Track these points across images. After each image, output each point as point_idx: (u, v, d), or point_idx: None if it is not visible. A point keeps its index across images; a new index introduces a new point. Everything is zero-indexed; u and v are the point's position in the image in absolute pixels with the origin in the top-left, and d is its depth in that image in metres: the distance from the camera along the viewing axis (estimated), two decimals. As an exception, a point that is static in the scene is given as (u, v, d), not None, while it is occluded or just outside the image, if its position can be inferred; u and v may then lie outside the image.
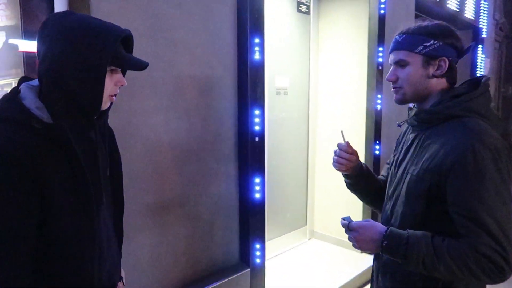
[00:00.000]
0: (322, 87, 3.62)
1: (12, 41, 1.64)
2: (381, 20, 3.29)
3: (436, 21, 1.24)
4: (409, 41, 1.21)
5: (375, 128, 3.34)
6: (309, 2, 3.46)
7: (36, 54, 0.98)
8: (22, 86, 0.98)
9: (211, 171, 2.25)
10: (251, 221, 2.38)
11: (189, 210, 2.16)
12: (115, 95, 1.07)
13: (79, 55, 0.94)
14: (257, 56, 2.31)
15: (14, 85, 1.71)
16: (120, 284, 1.28)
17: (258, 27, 2.31)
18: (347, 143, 1.45)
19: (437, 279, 1.15)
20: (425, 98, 1.24)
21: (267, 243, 2.56)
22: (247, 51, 2.28)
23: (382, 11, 3.29)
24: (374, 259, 1.40)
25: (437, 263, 1.07)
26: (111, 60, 0.98)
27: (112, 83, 1.03)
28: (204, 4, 2.13)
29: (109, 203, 1.17)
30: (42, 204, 0.91)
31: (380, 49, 3.30)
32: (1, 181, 0.86)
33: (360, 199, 1.59)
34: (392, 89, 1.28)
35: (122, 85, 1.06)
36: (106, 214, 1.13)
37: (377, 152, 3.37)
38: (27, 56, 1.72)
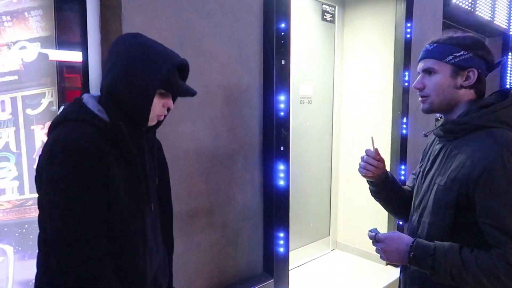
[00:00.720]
0: (346, 96, 3.59)
1: (44, 50, 1.70)
2: (408, 28, 3.25)
3: (468, 33, 1.25)
4: (439, 50, 1.21)
5: (401, 139, 3.28)
6: (334, 11, 3.45)
7: (105, 67, 1.12)
8: (84, 95, 1.12)
9: (236, 180, 2.25)
10: (275, 231, 2.37)
11: (214, 218, 2.16)
12: (163, 115, 1.18)
13: (133, 76, 1.06)
14: (282, 65, 2.31)
15: (47, 94, 1.77)
16: None
17: (284, 36, 2.31)
18: (376, 150, 1.45)
19: None
20: (452, 109, 1.23)
21: (290, 253, 2.54)
22: (273, 60, 2.28)
23: (409, 19, 3.25)
24: (401, 270, 1.40)
25: (466, 275, 1.07)
26: (162, 85, 1.09)
27: (161, 104, 1.14)
28: (231, 14, 2.14)
29: (156, 211, 1.25)
30: (108, 189, 1.02)
31: (407, 58, 3.24)
32: (78, 171, 0.97)
33: (384, 207, 1.59)
34: (420, 98, 1.28)
35: (169, 108, 1.17)
36: (154, 220, 1.21)
37: (402, 163, 3.31)
38: (60, 66, 1.78)
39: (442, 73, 1.21)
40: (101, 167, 1.00)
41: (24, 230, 1.68)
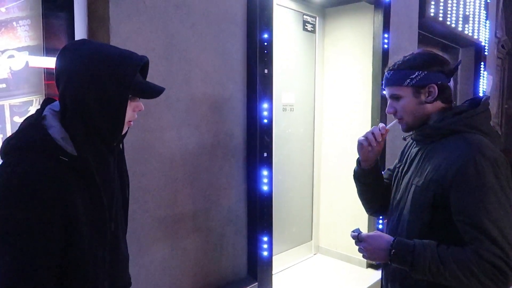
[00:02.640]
0: (327, 104, 3.69)
1: (32, 58, 1.72)
2: (386, 38, 3.38)
3: (419, 50, 1.35)
4: (396, 77, 1.32)
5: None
6: (315, 22, 3.56)
7: (55, 81, 1.00)
8: (47, 113, 0.99)
9: (221, 185, 2.30)
10: (259, 234, 2.42)
11: (199, 223, 2.21)
12: (133, 119, 1.09)
13: (99, 87, 0.95)
14: (265, 74, 2.39)
15: (35, 102, 1.79)
16: None
17: (267, 46, 2.39)
18: (387, 130, 1.46)
19: (444, 286, 1.20)
20: (426, 121, 1.33)
21: (273, 258, 2.59)
22: (256, 69, 2.36)
23: (386, 30, 3.38)
24: (383, 268, 1.46)
25: (443, 270, 1.13)
26: (131, 90, 1.00)
27: (131, 109, 1.05)
28: (216, 25, 2.21)
29: (123, 227, 1.19)
30: (66, 231, 0.93)
31: (385, 67, 3.37)
32: (25, 210, 0.86)
33: (360, 194, 1.64)
34: (396, 120, 1.38)
35: (140, 110, 1.09)
36: (121, 233, 1.16)
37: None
38: (48, 73, 1.80)
39: (406, 96, 1.31)
40: (62, 208, 0.90)
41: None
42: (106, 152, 1.04)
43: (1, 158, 0.96)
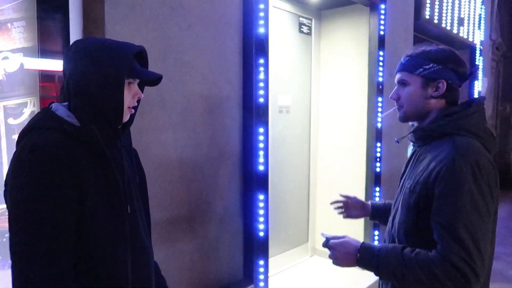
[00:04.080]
0: (323, 105, 3.70)
1: (27, 60, 1.72)
2: (381, 41, 3.39)
3: (441, 46, 1.33)
4: (411, 63, 1.31)
5: (376, 146, 3.40)
6: (311, 24, 3.57)
7: (63, 74, 1.09)
8: (53, 104, 1.09)
9: (217, 187, 2.30)
10: (255, 236, 2.42)
11: (195, 225, 2.20)
12: (134, 107, 1.16)
13: (100, 71, 1.04)
14: (261, 76, 2.39)
15: (29, 104, 1.78)
16: None
17: (263, 48, 2.39)
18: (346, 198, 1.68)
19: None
20: (424, 117, 1.32)
21: (269, 260, 2.59)
22: (252, 71, 2.36)
23: (381, 32, 3.39)
24: None
25: (407, 273, 1.14)
26: (128, 73, 1.08)
27: (130, 95, 1.13)
28: (212, 27, 2.21)
29: (142, 213, 1.23)
30: (79, 201, 0.98)
31: (380, 69, 3.38)
32: (46, 179, 0.93)
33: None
34: (396, 107, 1.38)
35: (139, 98, 1.16)
36: (141, 222, 1.19)
37: (377, 169, 3.43)
38: (43, 75, 1.80)
39: (414, 84, 1.30)
40: (72, 175, 0.96)
41: (4, 240, 1.68)
42: (112, 134, 1.10)
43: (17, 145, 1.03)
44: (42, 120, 1.02)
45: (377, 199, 3.43)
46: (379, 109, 3.39)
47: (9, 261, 1.70)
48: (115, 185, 1.06)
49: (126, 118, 1.14)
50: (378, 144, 3.41)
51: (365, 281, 3.22)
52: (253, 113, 2.38)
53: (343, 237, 1.32)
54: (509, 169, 8.53)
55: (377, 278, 3.34)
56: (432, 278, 1.11)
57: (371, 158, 3.41)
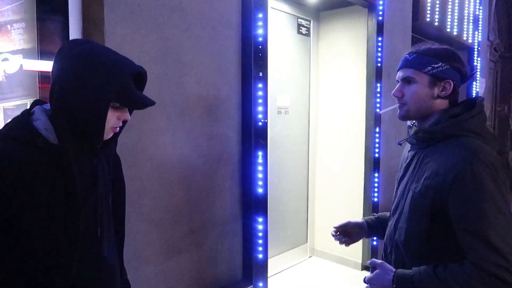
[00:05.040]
0: (322, 106, 3.71)
1: (26, 61, 1.72)
2: (379, 41, 3.40)
3: (444, 46, 1.31)
4: (418, 61, 1.27)
5: (375, 146, 3.41)
6: (309, 25, 3.58)
7: (51, 74, 1.02)
8: (36, 109, 1.00)
9: (216, 188, 2.30)
10: (254, 237, 2.42)
11: (194, 226, 2.20)
12: (117, 127, 1.07)
13: (85, 87, 0.96)
14: (260, 76, 2.40)
15: (29, 105, 1.78)
16: None
17: (261, 49, 2.40)
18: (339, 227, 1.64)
19: None
20: (426, 117, 1.29)
21: (268, 260, 2.59)
22: (251, 72, 2.37)
23: (380, 33, 3.40)
24: None
25: None
26: (115, 97, 0.99)
27: (115, 117, 1.04)
28: (211, 28, 2.22)
29: (111, 234, 1.15)
30: (15, 222, 0.90)
31: (379, 70, 3.39)
32: None
33: None
34: (397, 105, 1.33)
35: (125, 120, 1.07)
36: (107, 244, 1.11)
37: (376, 170, 3.44)
38: (42, 76, 1.80)
39: (421, 83, 1.26)
40: (18, 196, 0.89)
41: None
42: (88, 151, 1.03)
43: None
44: (17, 130, 0.95)
45: (375, 199, 3.44)
46: (378, 110, 3.40)
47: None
48: (76, 210, 0.97)
49: (107, 137, 1.06)
50: (377, 145, 3.42)
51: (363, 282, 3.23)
52: (252, 114, 2.38)
53: (380, 265, 1.26)
54: (508, 168, 8.54)
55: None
56: None
57: (369, 159, 3.42)
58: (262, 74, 2.41)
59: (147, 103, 1.05)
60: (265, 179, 2.45)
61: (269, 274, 2.98)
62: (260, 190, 2.43)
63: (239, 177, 2.44)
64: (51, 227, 0.94)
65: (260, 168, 2.42)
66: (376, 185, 3.43)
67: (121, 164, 1.22)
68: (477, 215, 1.09)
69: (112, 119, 1.03)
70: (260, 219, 2.43)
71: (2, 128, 0.98)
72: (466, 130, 1.21)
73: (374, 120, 3.39)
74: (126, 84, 1.01)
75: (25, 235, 0.91)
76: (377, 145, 3.42)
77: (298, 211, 3.66)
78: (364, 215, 3.41)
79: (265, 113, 2.44)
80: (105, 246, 1.10)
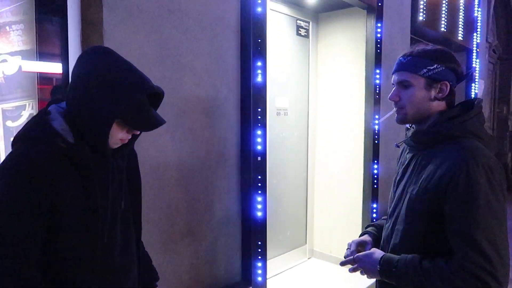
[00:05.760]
0: (321, 107, 3.72)
1: (25, 62, 1.72)
2: (378, 43, 3.41)
3: (438, 46, 1.30)
4: (413, 63, 1.25)
5: (373, 148, 3.41)
6: (308, 26, 3.59)
7: (71, 74, 1.07)
8: (52, 108, 1.05)
9: (215, 190, 2.31)
10: (253, 239, 2.42)
11: (193, 227, 2.20)
12: (127, 139, 1.10)
13: (95, 102, 0.99)
14: (259, 78, 2.40)
15: (28, 106, 1.79)
16: None
17: (260, 51, 2.40)
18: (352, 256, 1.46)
19: None
20: (424, 119, 1.28)
21: (267, 262, 2.59)
22: (250, 73, 2.37)
23: (378, 35, 3.41)
24: (376, 280, 1.43)
25: (426, 284, 1.12)
26: (122, 116, 1.01)
27: (124, 131, 1.07)
28: (210, 30, 2.22)
29: (128, 231, 1.18)
30: (52, 219, 0.97)
31: (377, 71, 3.40)
32: (19, 190, 0.93)
33: None
34: (395, 109, 1.32)
35: (134, 134, 1.10)
36: (124, 240, 1.15)
37: (375, 171, 3.44)
38: (41, 78, 1.80)
39: (417, 85, 1.24)
40: (47, 193, 0.95)
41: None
42: (101, 156, 1.06)
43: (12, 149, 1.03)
44: (35, 130, 1.00)
45: (374, 205, 3.44)
46: (377, 113, 3.40)
47: None
48: (94, 205, 1.02)
49: (115, 146, 1.09)
50: (376, 146, 3.42)
51: (363, 283, 3.23)
52: (251, 115, 2.38)
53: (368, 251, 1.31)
54: (507, 170, 8.56)
55: (374, 280, 3.34)
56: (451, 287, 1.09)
57: (368, 160, 3.42)
58: (261, 76, 2.41)
59: (155, 124, 1.08)
60: (264, 181, 2.45)
61: (268, 276, 2.98)
62: (259, 191, 2.43)
63: (238, 178, 2.44)
64: (76, 220, 1.00)
65: (259, 169, 2.42)
66: (375, 186, 3.44)
67: (137, 160, 1.27)
68: (469, 217, 1.09)
69: (121, 133, 1.06)
70: (259, 220, 2.43)
71: (21, 130, 1.03)
72: (464, 131, 1.20)
73: (373, 121, 3.39)
74: (137, 106, 1.03)
75: (58, 225, 0.98)
76: (376, 146, 3.42)
77: (297, 213, 3.66)
78: (363, 216, 3.41)
79: (264, 114, 2.44)
80: (118, 241, 1.13)
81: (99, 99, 0.99)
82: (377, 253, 1.27)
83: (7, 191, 0.93)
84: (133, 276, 1.20)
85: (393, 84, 1.32)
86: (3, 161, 0.98)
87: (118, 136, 1.06)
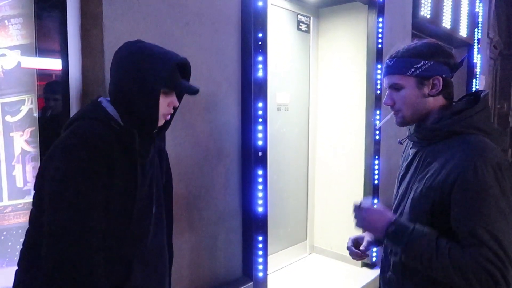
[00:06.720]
0: (321, 103, 3.70)
1: (24, 58, 1.71)
2: (379, 38, 3.39)
3: (424, 40, 1.26)
4: (400, 65, 1.22)
5: (374, 143, 3.40)
6: (309, 21, 3.57)
7: (110, 74, 1.20)
8: (101, 98, 1.19)
9: (215, 185, 2.30)
10: (254, 234, 2.42)
11: (194, 223, 2.20)
12: (169, 114, 1.22)
13: (138, 78, 1.12)
14: (260, 73, 2.39)
15: (27, 101, 1.77)
16: None
17: (261, 45, 2.39)
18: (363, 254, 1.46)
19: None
20: (425, 117, 1.25)
21: (268, 258, 2.59)
22: (251, 68, 2.36)
23: (380, 30, 3.39)
24: (380, 274, 1.40)
25: (436, 262, 1.08)
26: (164, 84, 1.13)
27: (166, 103, 1.18)
28: (210, 24, 2.21)
29: (161, 216, 1.28)
30: (108, 191, 1.06)
31: (379, 66, 3.38)
32: (89, 165, 1.02)
33: None
34: (392, 112, 1.30)
35: (174, 106, 1.22)
36: (157, 225, 1.24)
37: (376, 167, 3.43)
38: (40, 73, 1.79)
39: (408, 86, 1.21)
40: (108, 166, 1.05)
41: (2, 237, 1.67)
42: (147, 138, 1.18)
43: (64, 131, 1.13)
44: (92, 111, 1.13)
45: (375, 200, 3.44)
46: (378, 109, 3.39)
47: (7, 259, 1.69)
48: (135, 186, 1.11)
49: (160, 123, 1.21)
50: (376, 142, 3.41)
51: (363, 279, 3.23)
52: (252, 110, 2.37)
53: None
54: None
55: (375, 276, 3.34)
56: (461, 275, 1.06)
57: (369, 156, 3.41)
58: (262, 71, 2.40)
59: (192, 88, 1.23)
60: (264, 176, 2.44)
61: (268, 271, 2.98)
62: (260, 187, 2.42)
63: (239, 174, 2.43)
64: (118, 195, 1.10)
65: (260, 164, 2.41)
66: (376, 182, 3.43)
67: (168, 159, 1.40)
68: (475, 215, 1.06)
69: (163, 105, 1.17)
70: (260, 216, 2.42)
71: (79, 112, 1.17)
72: (471, 127, 1.16)
73: (374, 117, 3.38)
74: (172, 72, 1.15)
75: (111, 193, 1.07)
76: (377, 141, 3.41)
77: (297, 208, 3.65)
78: (364, 212, 3.39)
79: (264, 110, 2.43)
80: (152, 224, 1.22)
81: (141, 74, 1.11)
82: (390, 213, 1.22)
83: (74, 165, 1.02)
84: (164, 260, 1.29)
85: (386, 87, 1.29)
86: (64, 139, 1.07)
87: (162, 109, 1.16)
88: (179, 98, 1.27)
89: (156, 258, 1.25)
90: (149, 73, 1.11)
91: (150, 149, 1.20)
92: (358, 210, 1.26)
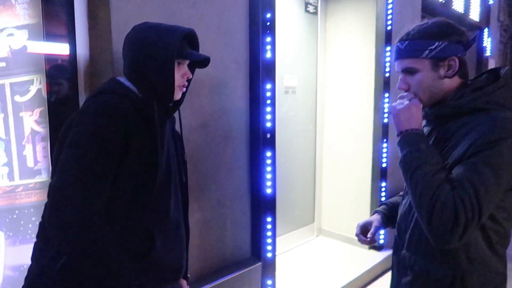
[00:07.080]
0: (329, 86, 3.67)
1: (31, 43, 1.69)
2: (388, 20, 3.34)
3: (435, 19, 1.21)
4: (412, 48, 1.17)
5: (383, 127, 3.38)
6: (317, 3, 3.51)
7: (122, 55, 1.25)
8: (118, 77, 1.24)
9: (224, 166, 2.30)
10: (262, 215, 2.43)
11: (203, 204, 2.21)
12: (184, 86, 1.27)
13: (150, 53, 1.16)
14: (268, 54, 2.36)
15: (36, 81, 1.77)
16: (184, 282, 1.42)
17: (270, 26, 2.36)
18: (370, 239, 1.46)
19: (453, 273, 1.13)
20: (442, 100, 1.20)
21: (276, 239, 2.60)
22: (259, 49, 2.33)
23: (389, 12, 3.33)
24: (393, 254, 1.38)
25: (414, 172, 1.08)
26: (177, 54, 1.17)
27: (180, 75, 1.23)
28: (218, 4, 2.18)
29: (177, 193, 1.31)
30: (121, 161, 1.08)
31: (388, 48, 3.34)
32: (100, 129, 1.05)
33: None
34: (407, 99, 1.23)
35: (188, 78, 1.27)
36: (175, 199, 1.27)
37: (384, 150, 3.41)
38: (48, 59, 1.77)
39: (423, 69, 1.17)
40: (122, 135, 1.07)
41: (14, 216, 1.69)
42: (163, 111, 1.22)
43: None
44: (111, 86, 1.18)
45: (383, 184, 3.42)
46: (386, 92, 3.35)
47: (20, 237, 1.71)
48: (156, 157, 1.14)
49: (177, 96, 1.26)
50: (385, 125, 3.39)
51: (370, 261, 3.25)
52: (260, 92, 2.36)
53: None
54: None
55: (382, 258, 3.35)
56: (427, 197, 1.04)
57: (377, 139, 3.39)
58: (270, 52, 2.37)
59: (203, 55, 1.28)
60: (273, 157, 2.44)
61: (276, 253, 3.01)
62: (268, 169, 2.42)
63: (247, 155, 2.43)
64: (138, 164, 1.12)
65: (268, 146, 2.40)
66: (384, 165, 3.41)
67: (182, 139, 1.44)
68: (471, 170, 1.03)
69: (178, 76, 1.22)
70: (268, 198, 2.43)
71: (99, 88, 1.20)
72: (494, 102, 1.11)
73: (382, 100, 3.34)
74: (182, 43, 1.20)
75: (129, 161, 1.10)
76: (385, 125, 3.39)
77: (305, 191, 3.66)
78: (371, 195, 3.40)
79: (272, 92, 2.41)
80: (172, 197, 1.25)
81: (152, 49, 1.16)
82: (420, 122, 1.19)
83: (89, 131, 1.05)
84: (182, 234, 1.32)
85: (397, 71, 1.24)
86: (83, 107, 1.13)
87: (178, 81, 1.22)
88: (192, 71, 1.30)
89: (175, 232, 1.27)
90: (160, 46, 1.15)
91: (165, 123, 1.23)
92: (399, 99, 1.23)
